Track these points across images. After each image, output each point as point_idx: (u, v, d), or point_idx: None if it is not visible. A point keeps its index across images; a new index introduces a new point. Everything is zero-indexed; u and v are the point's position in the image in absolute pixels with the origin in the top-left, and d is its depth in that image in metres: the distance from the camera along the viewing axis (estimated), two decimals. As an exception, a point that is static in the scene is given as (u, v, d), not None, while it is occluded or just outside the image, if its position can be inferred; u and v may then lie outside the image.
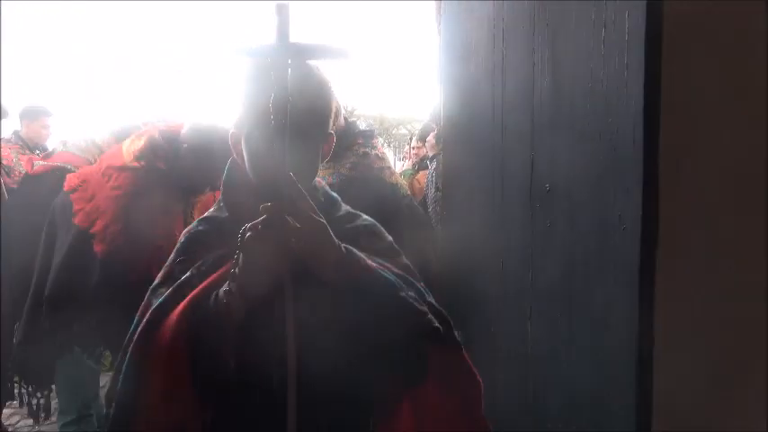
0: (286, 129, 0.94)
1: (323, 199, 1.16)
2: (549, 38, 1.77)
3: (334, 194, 1.21)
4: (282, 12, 0.97)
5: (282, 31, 0.96)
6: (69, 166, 2.92)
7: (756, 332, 1.56)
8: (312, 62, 1.08)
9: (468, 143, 2.24)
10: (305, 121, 1.03)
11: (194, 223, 1.17)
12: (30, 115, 5.38)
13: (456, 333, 1.14)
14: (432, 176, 4.45)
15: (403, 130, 19.23)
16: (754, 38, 1.54)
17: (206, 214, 1.16)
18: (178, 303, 0.97)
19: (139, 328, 0.98)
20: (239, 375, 0.98)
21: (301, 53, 0.98)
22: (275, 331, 0.99)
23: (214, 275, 1.01)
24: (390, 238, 1.19)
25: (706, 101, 1.52)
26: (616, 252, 1.49)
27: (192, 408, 0.95)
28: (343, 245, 1.03)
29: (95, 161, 2.85)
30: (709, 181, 1.50)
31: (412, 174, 5.65)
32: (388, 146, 18.76)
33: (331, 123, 1.12)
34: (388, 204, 2.33)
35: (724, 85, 1.51)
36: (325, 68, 1.12)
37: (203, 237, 1.12)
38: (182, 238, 1.14)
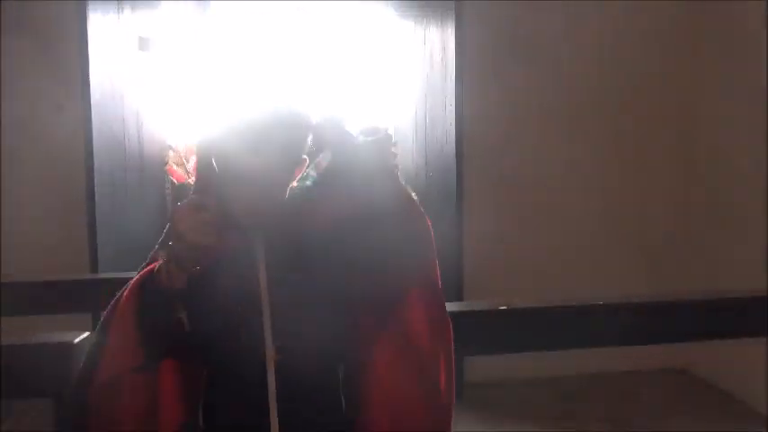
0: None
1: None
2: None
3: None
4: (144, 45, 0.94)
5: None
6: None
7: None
8: (289, 94, 1.15)
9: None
10: (280, 151, 1.11)
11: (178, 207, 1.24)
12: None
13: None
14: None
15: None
16: None
17: (186, 199, 1.22)
18: None
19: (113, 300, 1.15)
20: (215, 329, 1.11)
21: None
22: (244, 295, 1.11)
23: None
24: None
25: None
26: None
27: (140, 359, 1.09)
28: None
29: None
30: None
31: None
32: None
33: (305, 150, 1.18)
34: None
35: None
36: (303, 99, 1.17)
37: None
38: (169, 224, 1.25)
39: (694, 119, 3.57)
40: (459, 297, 3.26)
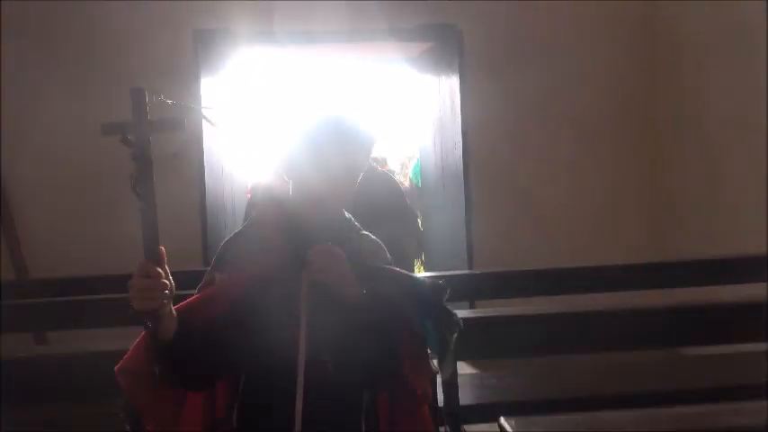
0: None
1: (345, 221, 1.41)
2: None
3: (351, 218, 1.43)
4: (136, 95, 1.15)
5: (138, 112, 1.14)
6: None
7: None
8: (358, 117, 1.31)
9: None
10: (347, 169, 1.28)
11: (230, 236, 1.39)
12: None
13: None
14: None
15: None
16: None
17: (239, 229, 1.39)
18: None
19: None
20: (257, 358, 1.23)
21: (154, 126, 1.17)
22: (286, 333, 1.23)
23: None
24: (389, 256, 1.44)
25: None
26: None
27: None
28: (363, 290, 1.27)
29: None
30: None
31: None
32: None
33: (365, 168, 1.33)
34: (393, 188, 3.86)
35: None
36: (372, 123, 1.33)
37: (234, 247, 1.34)
38: (220, 249, 1.36)
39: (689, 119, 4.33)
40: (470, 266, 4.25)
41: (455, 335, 1.31)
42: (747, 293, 2.65)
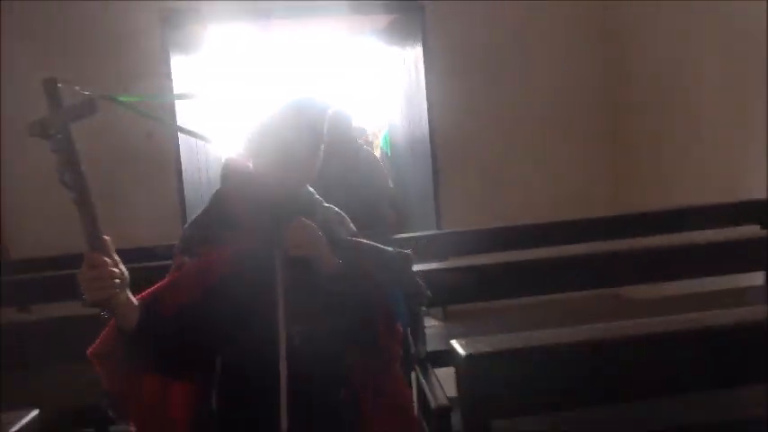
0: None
1: (310, 198, 1.41)
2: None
3: (313, 191, 1.43)
4: (49, 87, 1.13)
5: (53, 102, 1.12)
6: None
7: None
8: (315, 95, 1.33)
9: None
10: (308, 146, 1.30)
11: (196, 216, 1.37)
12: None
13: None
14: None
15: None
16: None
17: (203, 208, 1.36)
18: None
19: None
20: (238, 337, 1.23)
21: (69, 115, 1.12)
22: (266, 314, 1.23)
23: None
24: (353, 226, 1.45)
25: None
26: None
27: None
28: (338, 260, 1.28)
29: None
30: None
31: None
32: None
33: (323, 134, 1.34)
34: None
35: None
36: (331, 99, 1.35)
37: (201, 228, 1.33)
38: (185, 231, 1.35)
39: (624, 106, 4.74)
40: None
41: (423, 307, 1.37)
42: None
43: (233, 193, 1.34)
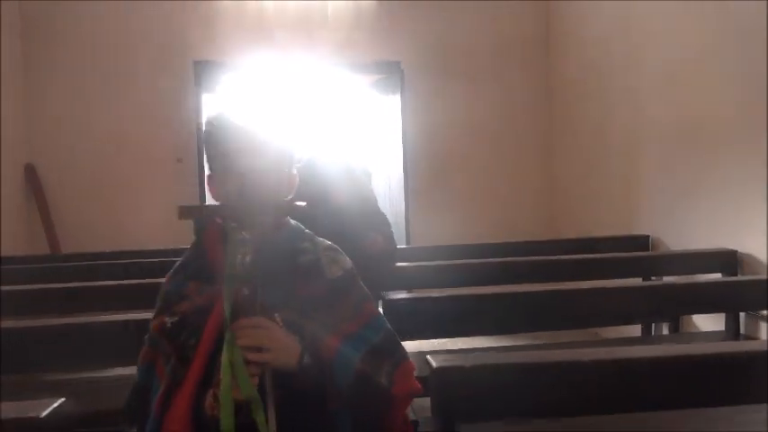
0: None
1: (290, 229, 1.34)
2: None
3: (300, 225, 1.35)
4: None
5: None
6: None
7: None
8: (286, 132, 1.32)
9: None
10: (275, 155, 1.28)
11: (174, 268, 1.33)
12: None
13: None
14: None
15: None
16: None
17: (180, 261, 1.32)
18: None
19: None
20: None
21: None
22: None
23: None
24: (351, 264, 1.35)
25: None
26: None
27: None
28: (305, 355, 1.18)
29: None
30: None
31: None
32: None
33: (287, 169, 1.31)
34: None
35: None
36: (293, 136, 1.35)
37: (178, 285, 1.30)
38: (164, 286, 1.31)
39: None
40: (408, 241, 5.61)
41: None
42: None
43: (207, 237, 1.33)
